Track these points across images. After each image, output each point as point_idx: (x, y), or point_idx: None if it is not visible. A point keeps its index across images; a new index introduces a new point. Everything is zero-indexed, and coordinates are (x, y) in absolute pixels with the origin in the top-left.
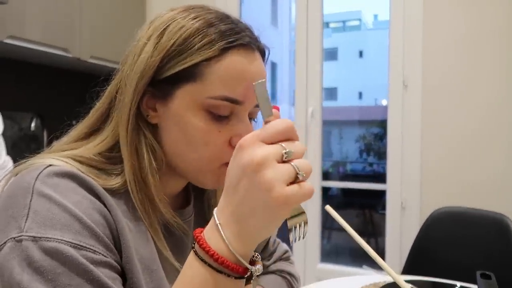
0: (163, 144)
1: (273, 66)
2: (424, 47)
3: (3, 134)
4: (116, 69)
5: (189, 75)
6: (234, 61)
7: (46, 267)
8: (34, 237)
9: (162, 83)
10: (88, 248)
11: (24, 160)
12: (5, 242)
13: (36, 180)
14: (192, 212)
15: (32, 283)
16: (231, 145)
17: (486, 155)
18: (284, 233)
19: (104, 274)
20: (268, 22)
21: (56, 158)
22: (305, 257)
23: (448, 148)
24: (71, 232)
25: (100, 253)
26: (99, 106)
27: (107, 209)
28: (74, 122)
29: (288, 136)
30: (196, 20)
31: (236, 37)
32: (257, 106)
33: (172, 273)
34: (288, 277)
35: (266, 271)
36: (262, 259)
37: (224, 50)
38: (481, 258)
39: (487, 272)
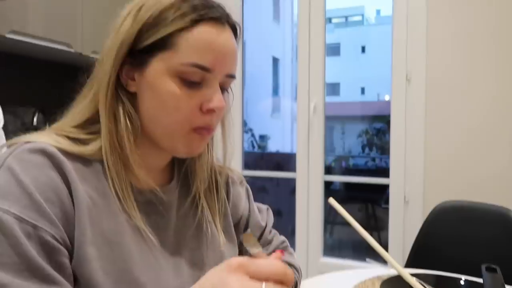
0: (140, 111)
1: (275, 61)
2: (427, 41)
3: (5, 128)
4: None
5: (163, 44)
6: (204, 31)
7: None
8: None
9: (139, 53)
10: (30, 222)
11: (14, 138)
12: None
13: (9, 155)
14: (177, 187)
15: None
16: (201, 110)
17: (490, 149)
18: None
19: (35, 249)
20: (270, 18)
21: (37, 134)
22: (308, 251)
23: (452, 142)
24: (18, 205)
25: (41, 227)
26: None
27: (68, 185)
28: (62, 113)
29: (274, 278)
30: None
31: (207, 11)
32: (229, 76)
33: (146, 243)
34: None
35: None
36: None
37: (195, 22)
38: (485, 252)
39: (492, 265)
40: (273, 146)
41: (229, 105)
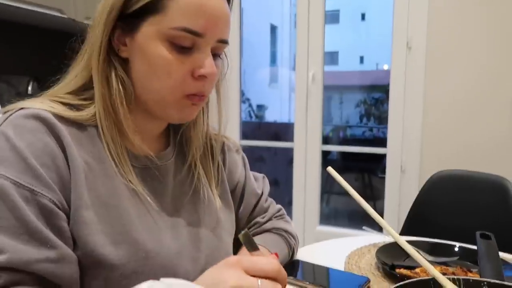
0: (132, 77)
1: (273, 29)
2: (429, 9)
3: (0, 98)
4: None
5: (153, 8)
6: None
7: None
8: None
9: (130, 17)
10: (27, 186)
11: (10, 104)
12: None
13: (4, 121)
14: (173, 154)
15: None
16: (193, 76)
17: (487, 119)
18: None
19: (33, 213)
20: None
21: (31, 100)
22: (304, 220)
23: (450, 111)
24: (14, 170)
25: (38, 192)
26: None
27: (64, 150)
28: (56, 80)
29: (269, 276)
30: None
31: None
32: (221, 41)
33: (144, 206)
34: (284, 234)
35: (261, 230)
36: (256, 216)
37: None
38: (481, 220)
39: (486, 232)
40: (270, 116)
41: (223, 71)
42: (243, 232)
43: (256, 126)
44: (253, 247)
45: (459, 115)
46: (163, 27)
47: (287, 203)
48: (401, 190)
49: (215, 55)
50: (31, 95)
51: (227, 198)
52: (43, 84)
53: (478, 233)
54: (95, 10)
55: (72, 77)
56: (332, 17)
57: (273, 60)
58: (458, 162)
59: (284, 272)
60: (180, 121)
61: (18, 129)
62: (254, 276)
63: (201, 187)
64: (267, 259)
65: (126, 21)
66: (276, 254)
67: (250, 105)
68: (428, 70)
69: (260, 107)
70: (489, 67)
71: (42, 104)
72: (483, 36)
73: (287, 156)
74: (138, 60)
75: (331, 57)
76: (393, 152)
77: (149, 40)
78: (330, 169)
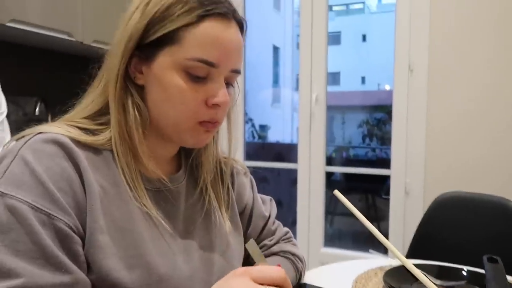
0: (148, 103)
1: (276, 50)
2: (430, 31)
3: (7, 118)
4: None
5: (170, 39)
6: (210, 27)
7: (3, 220)
8: (2, 192)
9: (147, 46)
10: (44, 210)
11: (27, 129)
12: None
13: (23, 145)
14: (184, 177)
15: None
16: (206, 104)
17: (490, 140)
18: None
19: (50, 237)
20: (271, 6)
21: (49, 125)
22: (309, 242)
23: (453, 133)
24: (32, 194)
25: (55, 216)
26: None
27: (80, 174)
28: (72, 105)
29: (276, 283)
30: None
31: (213, 6)
32: (234, 71)
33: (157, 229)
34: (292, 257)
35: (269, 252)
36: (263, 239)
37: (201, 17)
38: (486, 243)
39: (493, 256)
40: (273, 136)
41: (234, 98)
42: (250, 241)
43: (259, 147)
44: (259, 256)
45: (462, 136)
46: (179, 57)
47: (291, 224)
48: (406, 212)
49: (228, 83)
50: (39, 116)
51: (237, 221)
52: (51, 106)
53: (485, 257)
54: (103, 33)
55: (89, 102)
56: (334, 38)
57: (276, 80)
58: (462, 183)
59: (289, 282)
60: (194, 146)
61: (37, 153)
62: (261, 284)
63: (212, 210)
64: (273, 267)
65: (143, 50)
66: (279, 265)
67: (253, 125)
68: (430, 91)
69: (263, 127)
70: (491, 87)
71: (60, 129)
72: (485, 56)
73: (290, 177)
74: (154, 88)
75: (333, 78)
76: (397, 173)
77: (165, 70)
78: (337, 192)
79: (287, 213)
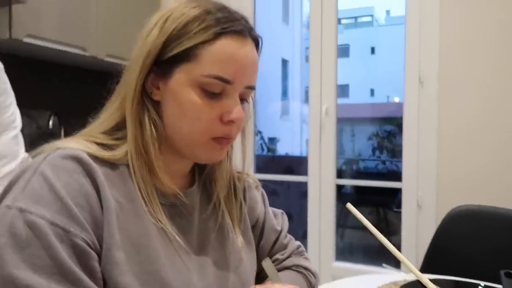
0: (163, 119)
1: (284, 63)
2: (440, 43)
3: (21, 132)
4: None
5: (187, 56)
6: (226, 44)
7: (22, 235)
8: (21, 208)
9: (164, 63)
10: (62, 226)
11: (46, 144)
12: (1, 208)
13: (43, 161)
14: (198, 191)
15: (7, 246)
16: (221, 120)
17: (503, 152)
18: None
19: (67, 253)
20: (280, 19)
21: (67, 140)
22: (320, 256)
23: (466, 145)
24: (51, 210)
25: (72, 231)
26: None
27: (98, 190)
28: (90, 120)
29: None
30: (196, 8)
31: (229, 24)
32: (248, 88)
33: (172, 245)
34: (304, 271)
35: (281, 267)
36: (275, 253)
37: (217, 35)
38: (501, 256)
39: (511, 271)
40: (282, 148)
41: (248, 114)
42: (266, 260)
43: (269, 159)
44: (275, 276)
45: (475, 148)
46: (195, 74)
47: (301, 237)
48: (418, 225)
49: (242, 99)
50: (52, 130)
51: (249, 236)
52: (64, 119)
53: (502, 272)
54: (116, 47)
55: (106, 117)
56: (343, 51)
57: (284, 93)
58: (475, 195)
59: None
60: (207, 162)
61: (56, 169)
62: None
63: (225, 225)
64: (288, 285)
65: (161, 66)
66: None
67: (262, 138)
68: (441, 103)
69: (272, 139)
70: (503, 98)
71: (78, 144)
72: (496, 67)
73: (300, 190)
74: (170, 103)
75: (342, 90)
76: (408, 186)
77: (181, 86)
78: (349, 205)
79: (297, 227)
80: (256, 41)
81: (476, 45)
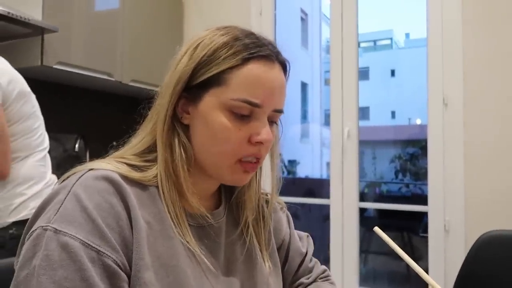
0: (193, 142)
1: (304, 86)
2: (464, 65)
3: (49, 154)
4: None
5: (216, 80)
6: (254, 69)
7: (56, 256)
8: (56, 229)
9: (194, 88)
10: (94, 247)
11: (79, 165)
12: (36, 228)
13: (76, 181)
14: (224, 213)
15: (40, 268)
16: (250, 141)
17: None
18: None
19: (98, 274)
20: (299, 44)
21: (99, 161)
22: (343, 281)
23: (493, 168)
24: (84, 231)
25: (104, 253)
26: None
27: (128, 211)
28: (114, 143)
29: None
30: (224, 35)
31: (257, 49)
32: (276, 111)
33: (200, 267)
34: None
35: None
36: (300, 277)
37: (245, 60)
38: None
39: None
40: (301, 171)
41: (277, 137)
42: None
43: (290, 182)
44: None
45: (503, 171)
46: (224, 98)
47: (323, 261)
48: (446, 251)
49: (271, 122)
50: (78, 152)
51: (275, 259)
52: (89, 142)
53: None
54: (140, 72)
55: (138, 141)
56: (363, 73)
57: (304, 116)
58: (504, 220)
59: None
60: (232, 184)
61: (88, 190)
62: None
63: (253, 249)
64: None
65: (190, 91)
66: None
67: (282, 160)
68: (466, 125)
69: (292, 162)
70: None
71: (110, 165)
72: None
73: (321, 213)
74: (200, 126)
75: (363, 112)
76: (435, 210)
77: (211, 110)
78: (377, 229)
79: (319, 250)
80: (284, 65)
81: (500, 64)
